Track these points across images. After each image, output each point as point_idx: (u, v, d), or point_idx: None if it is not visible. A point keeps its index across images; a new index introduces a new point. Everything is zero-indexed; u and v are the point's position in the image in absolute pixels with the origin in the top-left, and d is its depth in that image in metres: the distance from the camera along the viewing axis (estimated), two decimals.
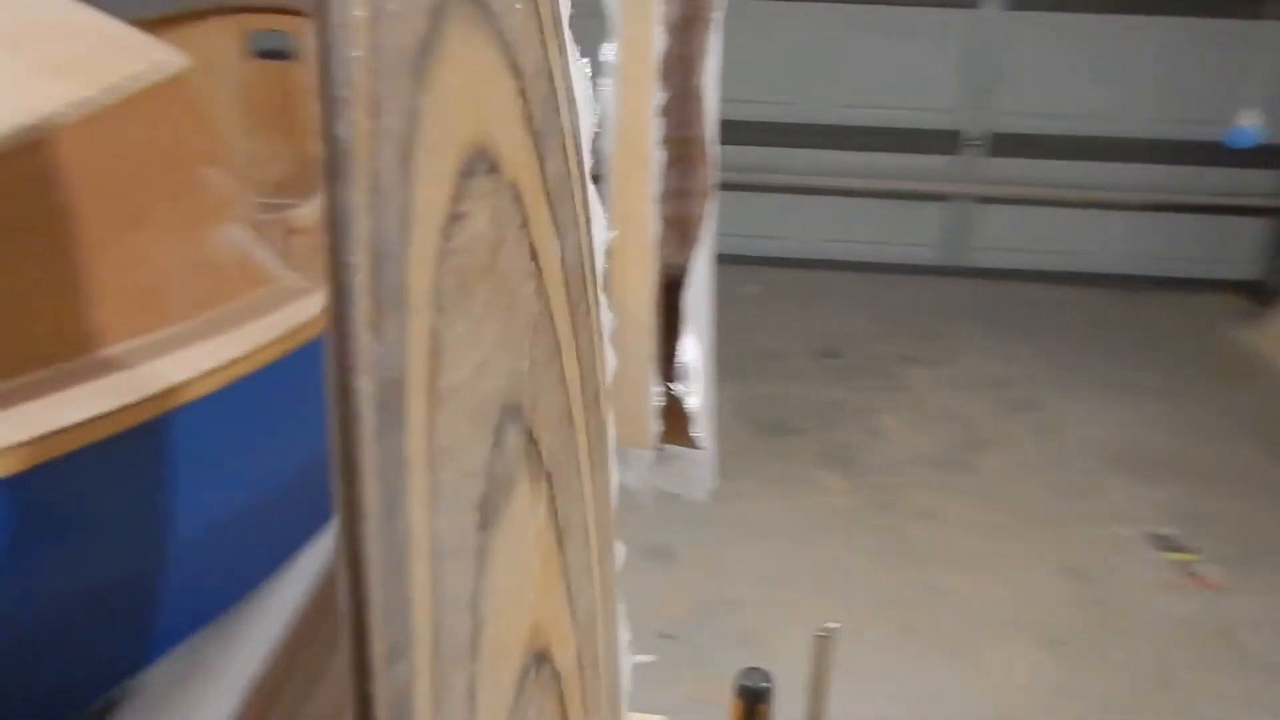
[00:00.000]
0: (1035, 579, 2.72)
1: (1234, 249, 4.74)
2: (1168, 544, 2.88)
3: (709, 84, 1.38)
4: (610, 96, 1.39)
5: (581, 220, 0.64)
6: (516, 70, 0.49)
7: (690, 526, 2.92)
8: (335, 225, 0.35)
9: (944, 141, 4.46)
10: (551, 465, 0.61)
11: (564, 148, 0.59)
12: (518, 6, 0.47)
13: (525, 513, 0.57)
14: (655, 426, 1.37)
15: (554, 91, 0.56)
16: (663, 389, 1.37)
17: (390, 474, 0.41)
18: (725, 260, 5.05)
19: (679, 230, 1.42)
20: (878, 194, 4.47)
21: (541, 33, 0.53)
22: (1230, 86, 4.21)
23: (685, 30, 1.35)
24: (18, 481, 1.46)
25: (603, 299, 0.75)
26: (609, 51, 1.37)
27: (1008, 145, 4.55)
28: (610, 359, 0.80)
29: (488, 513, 0.50)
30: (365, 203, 0.35)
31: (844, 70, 4.38)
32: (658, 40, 1.31)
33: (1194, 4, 4.43)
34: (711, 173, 1.38)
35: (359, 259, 0.36)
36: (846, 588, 2.69)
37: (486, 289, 0.47)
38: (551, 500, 0.62)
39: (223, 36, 3.43)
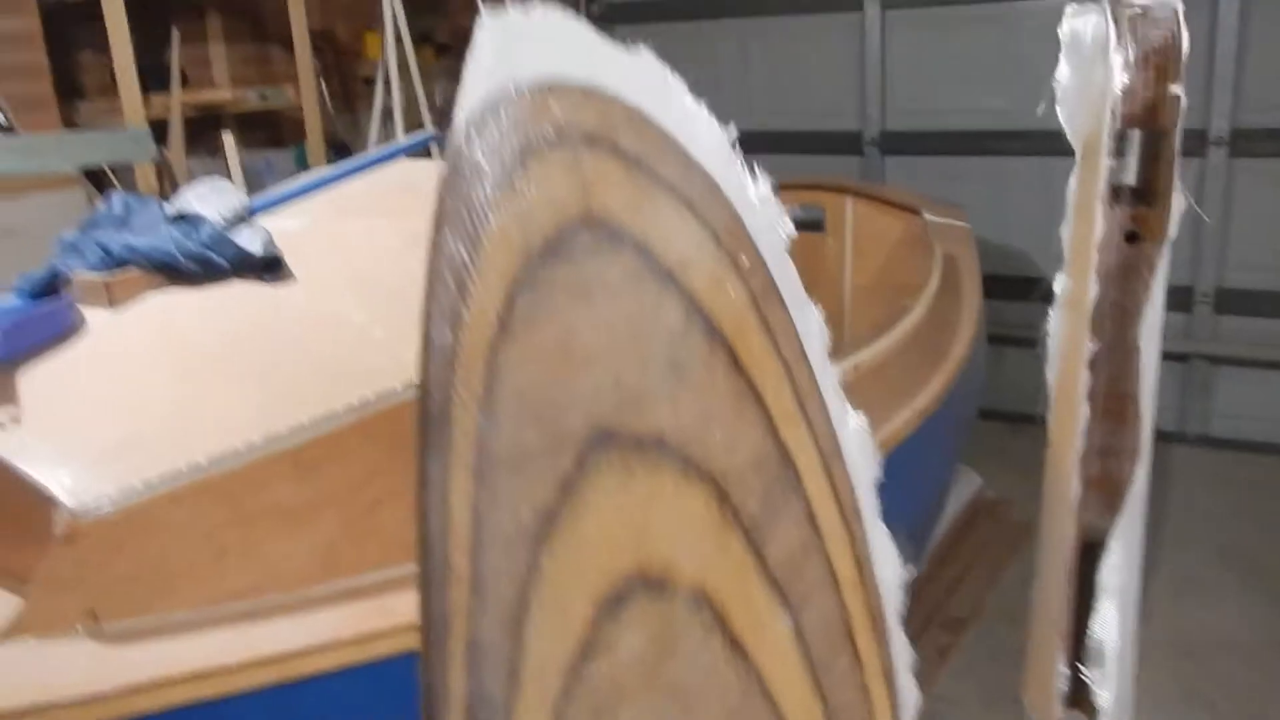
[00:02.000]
0: None
1: None
2: None
3: (1149, 336, 1.25)
4: (1053, 348, 1.33)
5: (846, 575, 0.63)
6: (709, 476, 0.51)
7: None
8: (429, 691, 0.40)
9: None
10: None
11: (809, 515, 0.59)
12: (718, 435, 0.49)
13: None
14: (1059, 710, 1.24)
15: (789, 466, 0.57)
16: (1070, 669, 1.24)
17: None
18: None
19: (1103, 492, 1.29)
20: None
21: (769, 420, 0.55)
22: None
23: (1124, 278, 1.25)
24: None
25: (899, 638, 0.71)
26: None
27: None
28: (913, 690, 0.75)
29: None
30: (461, 666, 0.39)
31: None
32: (1092, 289, 1.23)
33: None
34: (1144, 433, 1.25)
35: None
36: None
37: (642, 703, 0.48)
38: None
39: None
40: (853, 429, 0.66)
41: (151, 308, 1.83)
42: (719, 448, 0.54)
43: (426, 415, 0.40)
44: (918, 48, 4.30)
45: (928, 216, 3.57)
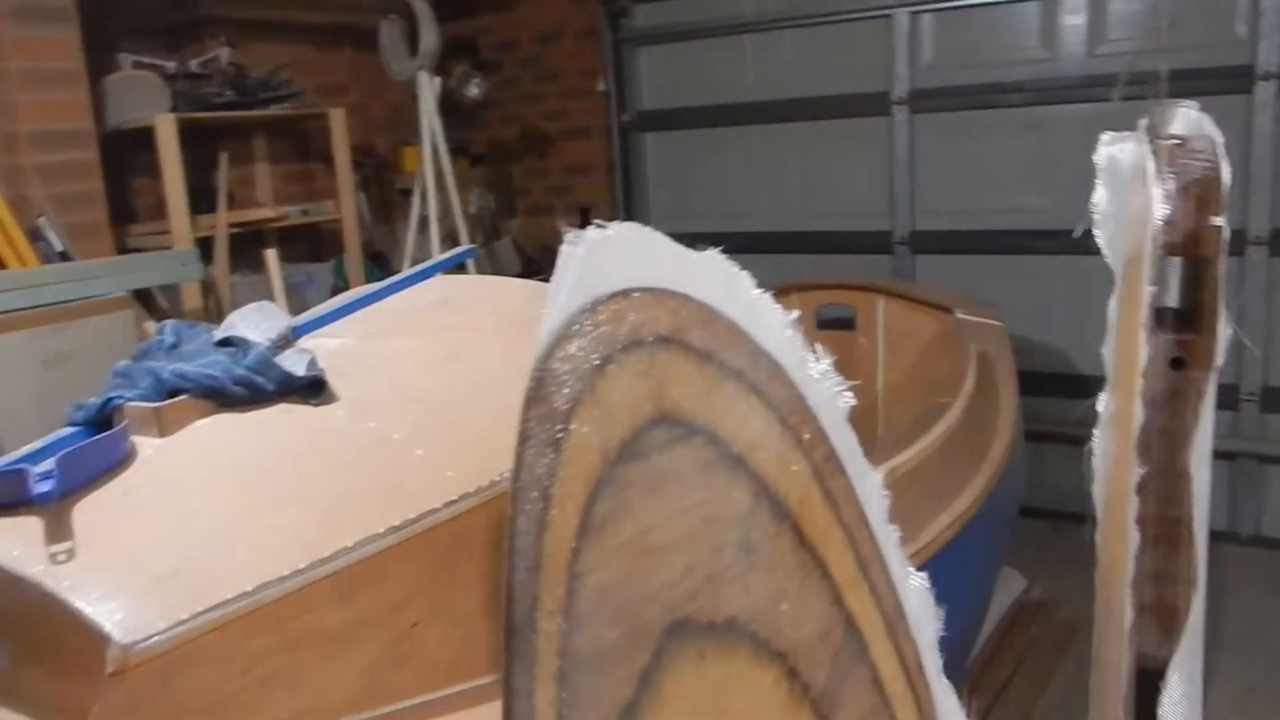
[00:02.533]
0: None
1: None
2: None
3: (1198, 461, 1.24)
4: (1098, 467, 1.32)
5: None
6: (778, 654, 0.52)
7: None
8: None
9: None
10: None
11: (875, 681, 0.60)
12: (786, 610, 0.50)
13: None
14: None
15: (854, 634, 0.58)
16: None
17: None
18: None
19: (1158, 620, 1.27)
20: None
21: (834, 589, 0.56)
22: None
23: (1171, 404, 1.25)
24: None
25: None
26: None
27: None
28: None
29: None
30: None
31: None
32: (1138, 413, 1.22)
33: None
34: (1199, 561, 1.23)
35: None
36: None
37: None
38: None
39: (800, 308, 3.88)
40: (914, 586, 0.66)
41: (199, 433, 1.85)
42: (787, 623, 0.54)
43: (511, 624, 0.41)
44: (947, 150, 4.36)
45: (960, 314, 3.57)
